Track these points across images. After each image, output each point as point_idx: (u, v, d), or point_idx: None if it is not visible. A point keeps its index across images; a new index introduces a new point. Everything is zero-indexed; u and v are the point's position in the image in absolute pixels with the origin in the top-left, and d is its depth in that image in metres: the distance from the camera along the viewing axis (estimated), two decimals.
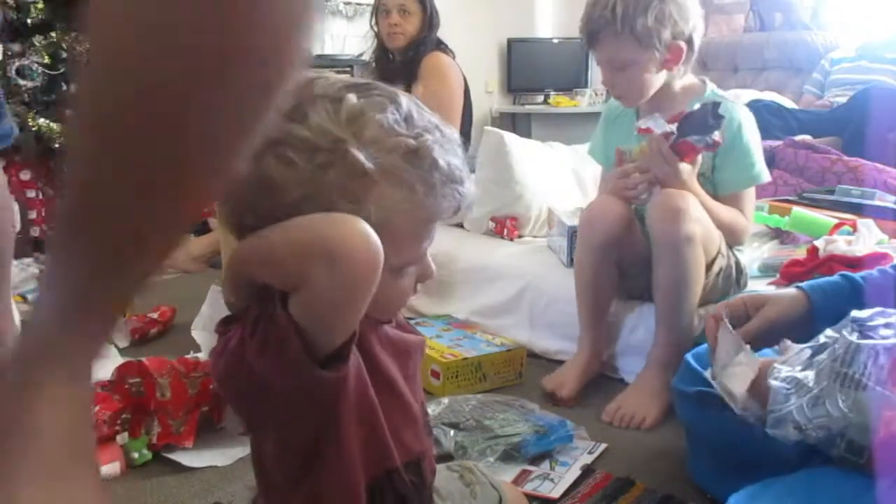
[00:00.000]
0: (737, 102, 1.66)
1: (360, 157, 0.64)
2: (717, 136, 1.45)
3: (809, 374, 0.89)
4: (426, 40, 2.60)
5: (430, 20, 2.60)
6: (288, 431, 0.69)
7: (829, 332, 0.93)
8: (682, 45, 1.55)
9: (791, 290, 1.14)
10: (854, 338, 0.87)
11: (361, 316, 0.63)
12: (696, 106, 1.49)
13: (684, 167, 1.48)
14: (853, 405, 0.83)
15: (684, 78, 1.64)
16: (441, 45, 2.65)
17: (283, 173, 0.63)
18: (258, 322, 0.63)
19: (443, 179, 0.68)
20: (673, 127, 1.46)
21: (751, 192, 1.67)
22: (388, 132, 0.66)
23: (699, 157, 1.51)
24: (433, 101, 2.55)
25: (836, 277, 1.13)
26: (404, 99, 0.68)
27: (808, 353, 0.93)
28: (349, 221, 0.61)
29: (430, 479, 0.78)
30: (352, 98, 0.66)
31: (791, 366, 0.92)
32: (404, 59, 2.60)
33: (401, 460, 0.73)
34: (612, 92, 1.61)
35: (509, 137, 2.23)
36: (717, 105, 1.46)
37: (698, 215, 1.46)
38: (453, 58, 2.65)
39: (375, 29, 2.65)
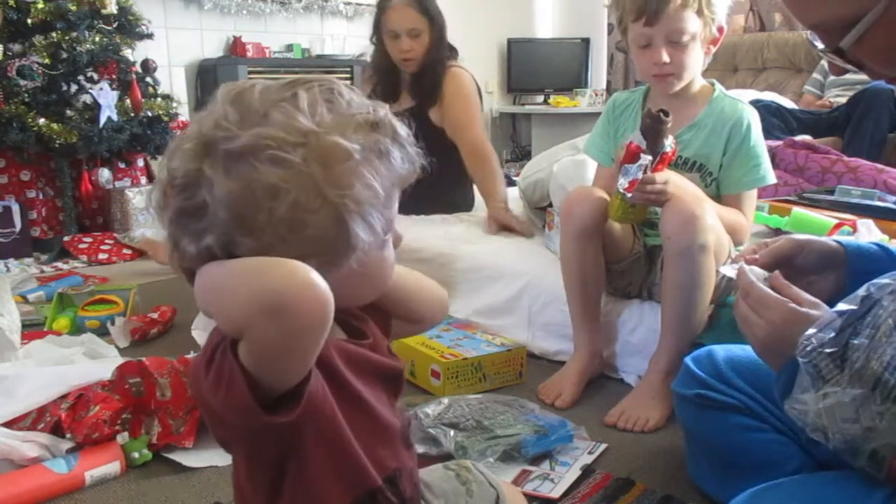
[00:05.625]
0: (745, 103, 1.65)
1: (341, 141, 0.64)
2: (670, 141, 1.48)
3: (844, 364, 0.79)
4: (440, 58, 2.43)
5: (439, 33, 2.42)
6: (252, 456, 0.69)
7: (864, 291, 0.82)
8: (724, 27, 1.59)
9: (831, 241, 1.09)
10: None
11: (313, 362, 0.63)
12: (636, 134, 1.49)
13: (666, 174, 1.49)
14: (888, 418, 0.77)
15: (698, 80, 1.65)
16: (451, 51, 2.50)
17: (280, 175, 0.62)
18: (216, 350, 0.63)
19: (403, 142, 0.70)
20: (648, 158, 1.46)
21: (753, 193, 1.67)
22: (347, 114, 0.67)
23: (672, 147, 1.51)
24: (459, 117, 2.41)
25: (871, 245, 1.08)
26: (342, 85, 0.69)
27: (839, 321, 0.82)
28: (295, 271, 0.59)
29: (411, 493, 0.77)
30: (302, 93, 0.66)
31: (823, 332, 0.82)
32: (420, 82, 2.43)
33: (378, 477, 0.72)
34: (661, 70, 1.57)
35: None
36: (648, 110, 1.49)
37: (713, 223, 1.47)
38: (457, 56, 2.53)
39: (375, 43, 2.47)
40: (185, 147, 0.65)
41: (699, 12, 1.53)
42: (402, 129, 0.70)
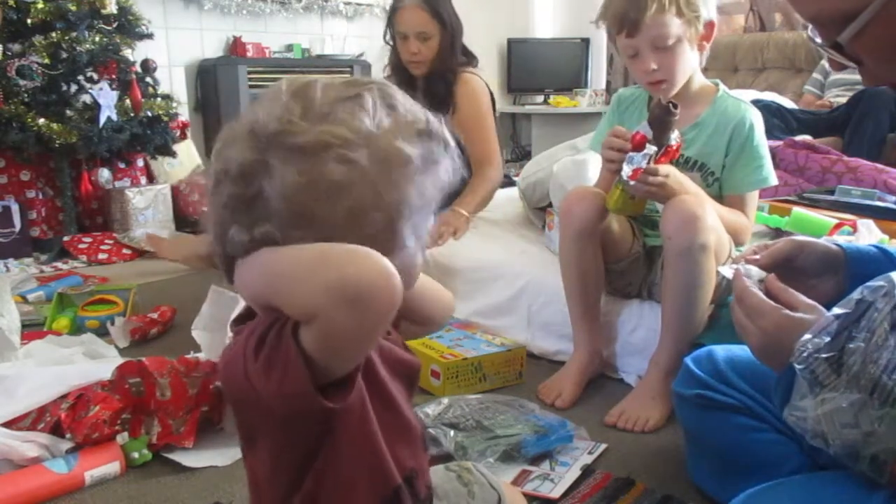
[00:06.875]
0: (749, 104, 1.65)
1: (402, 146, 0.66)
2: (676, 135, 1.48)
3: (841, 368, 0.79)
4: (451, 66, 2.36)
5: (451, 39, 2.34)
6: (280, 449, 0.69)
7: (857, 294, 0.81)
8: (714, 20, 1.58)
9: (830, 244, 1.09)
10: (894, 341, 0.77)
11: (373, 348, 0.64)
12: (643, 124, 1.49)
13: (668, 168, 1.48)
14: (887, 422, 0.76)
15: (698, 79, 1.65)
16: (466, 56, 2.42)
17: (344, 173, 0.63)
18: (266, 336, 0.63)
19: (452, 153, 0.71)
20: (653, 149, 1.46)
21: (755, 194, 1.66)
22: (405, 121, 0.68)
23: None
24: (470, 127, 2.33)
25: (870, 247, 1.08)
26: (397, 90, 0.70)
27: (834, 324, 0.82)
28: (371, 260, 0.60)
29: (425, 495, 0.77)
30: (366, 94, 0.67)
31: (819, 337, 0.81)
32: (432, 90, 2.36)
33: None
34: (653, 78, 1.57)
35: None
36: (658, 100, 1.48)
37: (714, 223, 1.46)
38: (476, 64, 2.46)
39: (390, 43, 2.42)
40: (244, 137, 0.65)
41: (679, 14, 1.52)
42: (452, 140, 0.71)
